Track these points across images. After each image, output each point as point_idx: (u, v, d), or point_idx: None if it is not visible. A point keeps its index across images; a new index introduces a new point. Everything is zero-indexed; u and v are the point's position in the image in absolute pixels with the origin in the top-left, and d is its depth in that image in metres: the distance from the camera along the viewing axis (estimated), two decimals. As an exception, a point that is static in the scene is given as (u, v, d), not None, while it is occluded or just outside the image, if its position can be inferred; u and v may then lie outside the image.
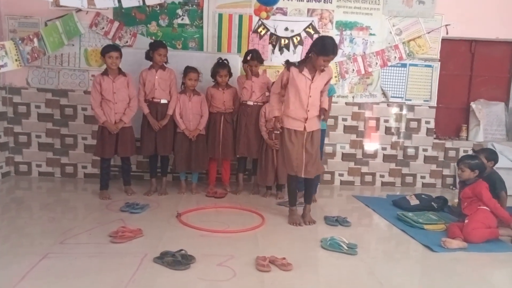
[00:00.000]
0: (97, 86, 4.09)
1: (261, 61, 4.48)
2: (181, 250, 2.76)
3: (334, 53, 3.41)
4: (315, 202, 4.41)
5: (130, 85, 4.19)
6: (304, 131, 3.57)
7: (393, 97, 5.34)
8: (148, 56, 4.29)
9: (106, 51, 4.05)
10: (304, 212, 3.75)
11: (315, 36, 5.11)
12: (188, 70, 4.32)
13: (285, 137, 3.61)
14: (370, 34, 5.21)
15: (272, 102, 3.72)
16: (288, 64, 3.61)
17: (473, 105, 5.46)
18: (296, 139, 3.58)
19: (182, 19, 4.99)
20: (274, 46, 5.09)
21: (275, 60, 5.08)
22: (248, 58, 4.42)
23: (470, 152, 5.35)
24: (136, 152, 4.44)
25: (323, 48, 3.35)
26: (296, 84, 3.51)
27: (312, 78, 3.51)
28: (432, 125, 5.40)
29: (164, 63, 4.32)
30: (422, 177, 5.47)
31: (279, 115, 3.63)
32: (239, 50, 4.99)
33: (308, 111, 3.54)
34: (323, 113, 3.61)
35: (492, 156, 4.04)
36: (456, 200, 4.11)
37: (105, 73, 4.12)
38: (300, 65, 3.54)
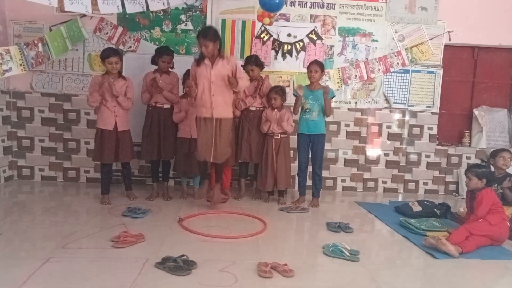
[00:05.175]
0: (95, 86, 4.06)
1: (257, 65, 4.49)
2: (183, 255, 2.75)
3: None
4: (317, 207, 4.42)
5: (129, 89, 4.17)
6: (212, 118, 3.87)
7: (396, 103, 5.34)
8: (154, 61, 4.35)
9: (105, 56, 4.01)
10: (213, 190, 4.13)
11: (318, 42, 5.14)
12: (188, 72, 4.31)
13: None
14: (373, 40, 5.22)
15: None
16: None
17: (475, 111, 5.45)
18: (205, 126, 3.89)
19: (186, 25, 5.02)
20: (276, 52, 5.11)
21: (277, 66, 5.11)
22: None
23: (475, 160, 5.36)
24: (138, 156, 4.44)
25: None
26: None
27: (212, 65, 3.83)
28: (434, 131, 5.39)
29: (169, 69, 4.36)
30: (425, 184, 5.46)
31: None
32: (242, 56, 5.00)
33: (213, 95, 3.84)
34: None
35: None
36: (462, 210, 4.08)
37: (106, 74, 4.11)
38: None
